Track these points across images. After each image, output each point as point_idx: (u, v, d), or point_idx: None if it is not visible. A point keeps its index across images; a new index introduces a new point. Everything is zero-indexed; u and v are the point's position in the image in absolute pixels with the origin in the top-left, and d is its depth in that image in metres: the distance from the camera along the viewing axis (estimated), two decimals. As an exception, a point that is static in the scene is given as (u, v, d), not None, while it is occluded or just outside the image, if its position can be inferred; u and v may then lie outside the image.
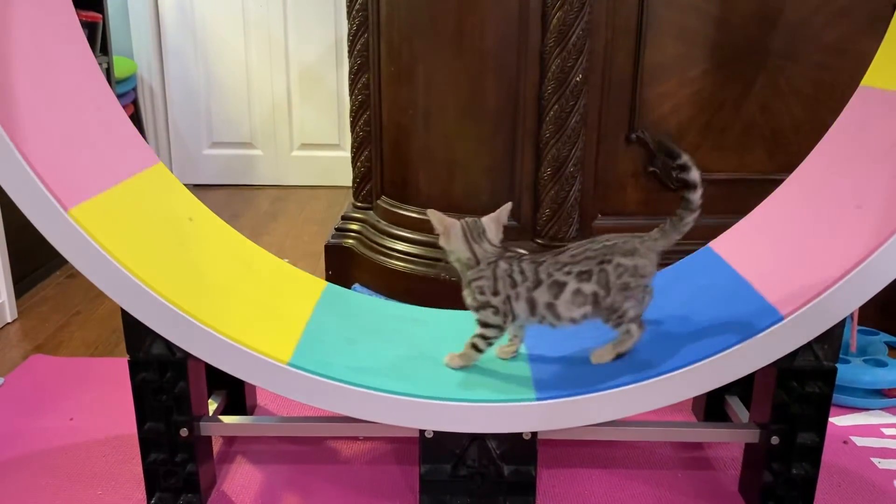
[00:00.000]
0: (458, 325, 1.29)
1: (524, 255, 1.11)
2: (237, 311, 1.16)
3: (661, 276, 1.27)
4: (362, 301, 1.44)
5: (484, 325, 1.12)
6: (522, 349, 1.21)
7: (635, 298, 1.09)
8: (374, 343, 1.23)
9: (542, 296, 1.08)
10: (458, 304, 1.40)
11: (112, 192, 1.13)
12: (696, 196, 1.07)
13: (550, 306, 1.08)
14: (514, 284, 1.09)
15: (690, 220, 1.08)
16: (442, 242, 1.12)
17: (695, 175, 1.06)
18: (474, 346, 1.13)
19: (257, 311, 1.20)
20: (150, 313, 1.05)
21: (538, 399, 1.08)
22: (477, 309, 1.11)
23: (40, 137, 1.03)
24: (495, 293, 1.09)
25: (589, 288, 1.07)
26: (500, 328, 1.11)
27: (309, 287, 1.36)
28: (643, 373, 1.08)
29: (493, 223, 1.12)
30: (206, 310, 1.08)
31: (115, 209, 1.11)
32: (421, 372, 1.15)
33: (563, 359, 1.18)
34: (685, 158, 1.05)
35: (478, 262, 1.10)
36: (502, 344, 1.18)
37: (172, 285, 1.07)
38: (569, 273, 1.07)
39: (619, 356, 1.13)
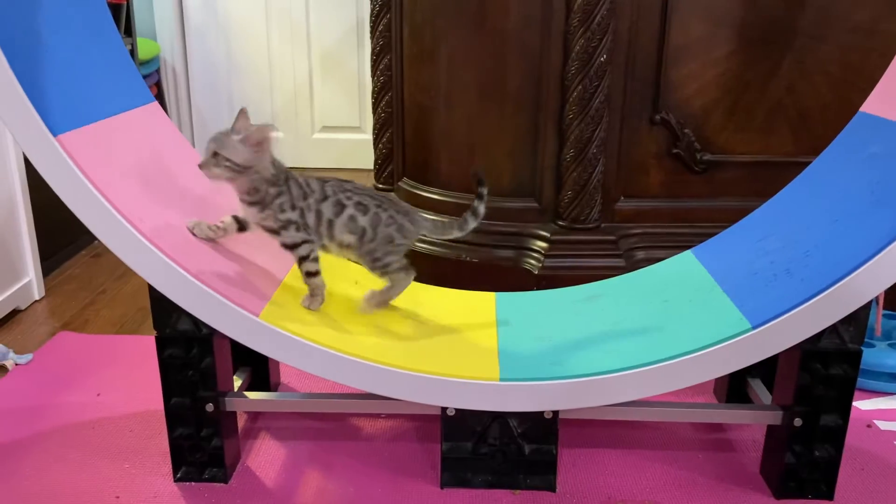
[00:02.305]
0: (634, 287, 1.32)
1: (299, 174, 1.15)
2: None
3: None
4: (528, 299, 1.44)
5: (293, 246, 1.12)
6: (542, 330, 1.21)
7: (396, 253, 1.16)
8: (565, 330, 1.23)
9: (326, 210, 1.12)
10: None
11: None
12: (471, 225, 1.21)
13: (330, 223, 1.13)
14: (304, 196, 1.11)
15: (471, 226, 1.21)
16: (246, 156, 1.07)
17: (482, 208, 1.20)
18: (308, 274, 1.14)
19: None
20: (176, 288, 1.07)
21: (561, 378, 1.08)
22: (280, 231, 1.11)
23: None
24: (293, 207, 1.11)
25: (362, 221, 1.13)
26: (308, 241, 1.12)
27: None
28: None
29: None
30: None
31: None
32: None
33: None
34: (483, 190, 1.20)
35: (279, 177, 1.11)
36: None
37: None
38: (349, 199, 1.13)
39: (382, 305, 1.20)
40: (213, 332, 1.11)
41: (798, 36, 1.65)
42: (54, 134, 1.00)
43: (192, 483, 1.20)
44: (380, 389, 1.10)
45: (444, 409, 1.15)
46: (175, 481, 1.20)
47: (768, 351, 1.06)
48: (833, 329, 1.07)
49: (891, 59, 1.22)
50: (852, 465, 1.24)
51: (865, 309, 1.06)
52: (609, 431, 1.33)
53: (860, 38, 1.64)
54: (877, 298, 1.44)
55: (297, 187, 1.12)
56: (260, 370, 1.39)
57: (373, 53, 1.97)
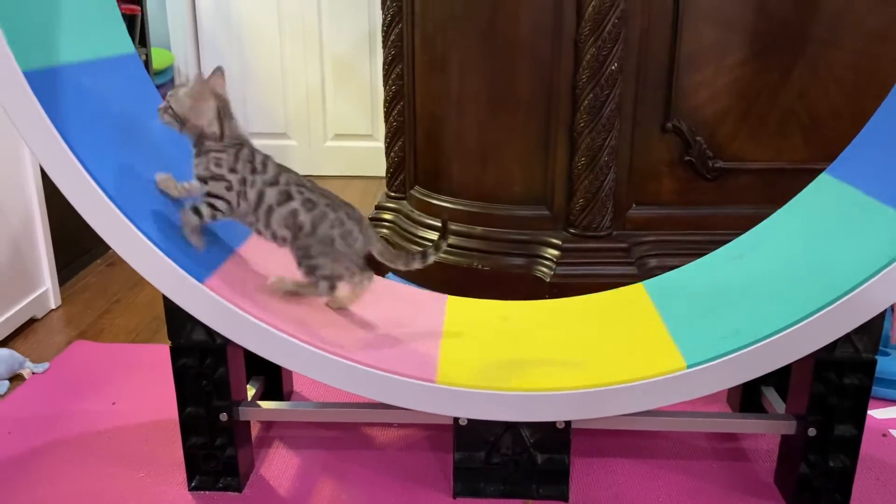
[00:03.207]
0: (783, 246, 1.27)
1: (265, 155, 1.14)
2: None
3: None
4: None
5: (214, 196, 1.10)
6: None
7: (331, 259, 1.12)
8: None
9: (270, 195, 1.10)
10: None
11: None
12: (422, 263, 1.19)
13: (269, 210, 1.11)
14: (252, 171, 1.10)
15: (415, 266, 1.19)
16: (184, 108, 1.09)
17: (442, 244, 1.19)
18: (196, 210, 1.11)
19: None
20: (191, 299, 1.08)
21: (574, 388, 1.08)
22: (207, 179, 1.10)
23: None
24: (232, 170, 1.10)
25: (304, 217, 1.11)
26: (230, 205, 1.11)
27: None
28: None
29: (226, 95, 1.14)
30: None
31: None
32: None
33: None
34: (444, 243, 1.19)
35: (221, 139, 1.10)
36: (342, 295, 1.20)
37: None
38: (300, 193, 1.11)
39: (292, 294, 1.16)
40: (226, 342, 1.12)
41: (810, 42, 1.64)
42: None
43: (207, 492, 1.20)
44: (393, 400, 1.10)
45: (456, 419, 1.15)
46: (189, 490, 1.21)
47: (781, 361, 1.05)
48: (847, 338, 1.07)
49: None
50: (868, 475, 1.23)
51: (879, 318, 1.05)
52: (622, 441, 1.33)
53: (873, 43, 1.63)
54: (892, 306, 1.43)
55: (247, 158, 1.11)
56: (273, 379, 1.40)
57: (385, 63, 1.98)
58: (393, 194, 2.08)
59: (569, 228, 1.76)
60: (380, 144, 2.63)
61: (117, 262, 2.21)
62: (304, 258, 1.13)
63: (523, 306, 1.36)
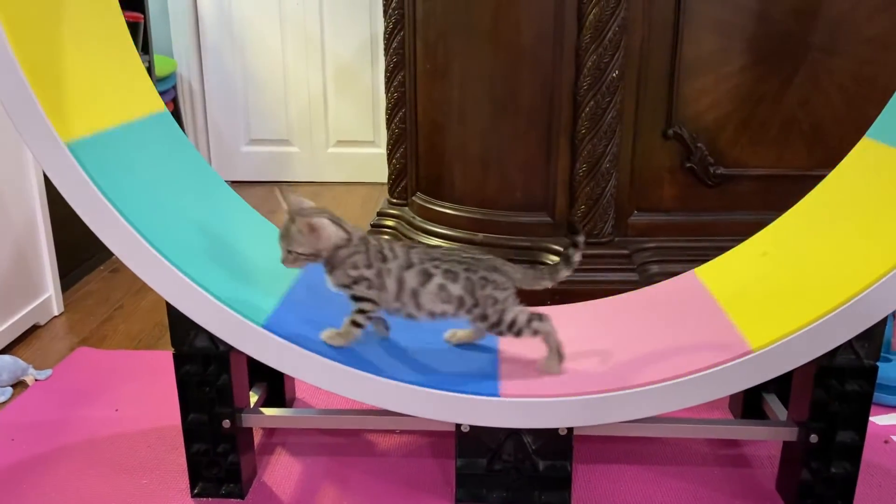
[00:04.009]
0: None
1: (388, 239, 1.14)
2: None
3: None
4: None
5: (359, 299, 1.11)
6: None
7: (508, 308, 1.11)
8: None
9: (410, 279, 1.09)
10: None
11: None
12: (564, 274, 1.13)
13: (415, 293, 1.10)
14: (384, 259, 1.10)
15: (544, 284, 1.14)
16: (307, 246, 1.08)
17: (577, 257, 1.12)
18: (354, 323, 1.12)
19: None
20: (195, 307, 1.08)
21: (571, 395, 1.09)
22: (350, 286, 1.10)
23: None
24: (368, 266, 1.10)
25: (455, 289, 1.09)
26: (374, 301, 1.11)
27: None
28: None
29: (303, 203, 1.14)
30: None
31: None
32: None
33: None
34: (580, 239, 1.12)
35: (351, 240, 1.10)
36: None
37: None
38: (437, 267, 1.10)
39: (560, 357, 1.13)
40: (229, 349, 1.12)
41: (811, 49, 1.65)
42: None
43: (210, 499, 1.21)
44: (395, 406, 1.11)
45: (458, 426, 1.15)
46: (192, 497, 1.21)
47: (782, 368, 1.05)
48: (848, 345, 1.07)
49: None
50: (869, 482, 1.23)
51: (881, 325, 1.05)
52: (624, 447, 1.33)
53: (873, 51, 1.64)
54: (894, 313, 1.44)
55: (375, 249, 1.10)
56: (276, 386, 1.40)
57: (387, 70, 1.98)
58: (395, 201, 2.09)
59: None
60: (382, 151, 2.64)
61: (120, 268, 2.21)
62: (496, 326, 1.11)
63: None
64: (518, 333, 1.12)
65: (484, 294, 1.10)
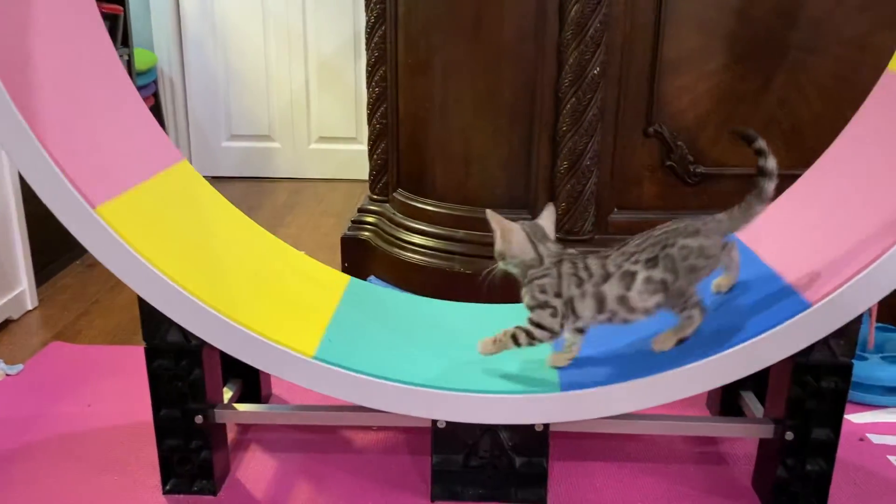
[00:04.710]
0: (478, 319, 1.30)
1: (584, 254, 1.09)
2: (260, 303, 1.17)
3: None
4: (387, 295, 1.45)
5: (537, 325, 1.07)
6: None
7: (699, 282, 1.06)
8: (397, 336, 1.23)
9: (612, 289, 1.05)
10: (474, 297, 1.40)
11: (137, 190, 1.14)
12: (770, 187, 1.05)
13: (622, 299, 1.05)
14: (579, 283, 1.05)
15: (759, 210, 1.06)
16: (499, 245, 1.08)
17: (771, 164, 1.05)
18: (514, 338, 1.08)
19: (281, 305, 1.21)
20: (166, 301, 1.06)
21: (551, 391, 1.08)
22: (533, 308, 1.07)
23: (66, 137, 1.05)
24: (557, 294, 1.06)
25: (658, 274, 1.03)
26: (553, 332, 1.07)
27: (333, 281, 1.37)
28: (658, 366, 1.07)
29: (549, 223, 1.11)
30: (226, 301, 1.09)
31: (138, 205, 1.12)
32: (435, 362, 1.15)
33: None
34: (761, 144, 1.04)
35: (542, 262, 1.07)
36: (557, 351, 1.15)
37: (191, 275, 1.08)
38: (636, 262, 1.04)
39: (680, 342, 1.09)
40: (202, 343, 1.11)
41: (791, 49, 1.65)
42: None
43: (181, 495, 1.19)
44: (370, 402, 1.10)
45: (434, 422, 1.15)
46: (164, 493, 1.19)
47: (758, 364, 1.05)
48: (824, 342, 1.07)
49: (882, 72, 1.23)
50: (844, 479, 1.23)
51: (857, 322, 1.05)
52: (600, 444, 1.33)
53: (852, 51, 1.64)
54: (870, 311, 1.44)
55: (569, 274, 1.06)
56: (251, 381, 1.39)
57: (368, 64, 1.97)
58: (376, 197, 2.07)
59: (551, 232, 1.76)
60: (364, 147, 2.63)
61: (97, 263, 2.17)
62: (678, 300, 1.06)
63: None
64: (682, 310, 1.07)
65: (685, 265, 1.03)
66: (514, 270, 1.10)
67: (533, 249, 1.08)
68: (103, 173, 1.09)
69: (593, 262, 1.07)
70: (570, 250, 1.10)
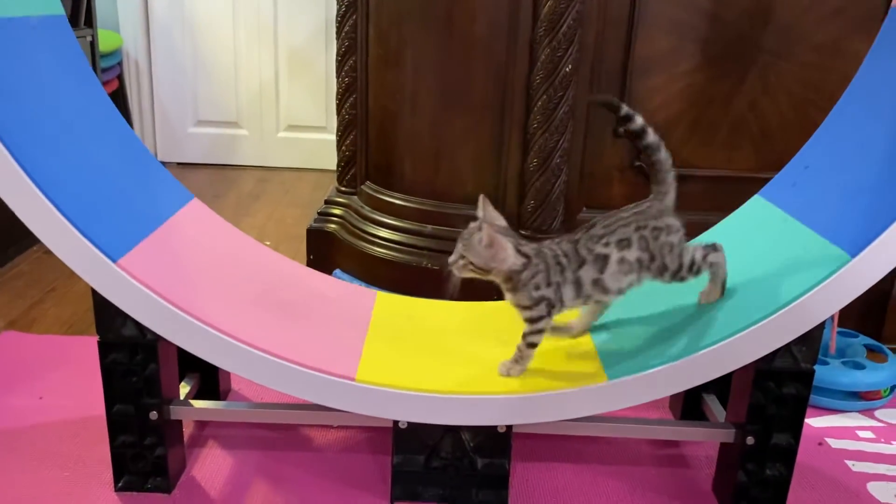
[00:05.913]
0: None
1: (553, 240, 1.10)
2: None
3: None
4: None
5: (536, 320, 1.07)
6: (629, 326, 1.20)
7: (684, 249, 1.09)
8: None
9: (587, 273, 1.06)
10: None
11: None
12: (654, 139, 1.12)
13: (597, 282, 1.07)
14: (562, 270, 1.06)
15: (671, 173, 1.13)
16: (484, 263, 1.06)
17: (640, 121, 1.11)
18: (531, 345, 1.09)
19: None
20: (120, 294, 1.03)
21: (516, 392, 1.07)
22: (531, 307, 1.07)
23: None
24: (549, 283, 1.06)
25: (632, 255, 1.06)
26: (549, 318, 1.08)
27: None
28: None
29: (498, 216, 1.10)
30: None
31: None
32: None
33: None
34: (627, 109, 1.10)
35: (530, 262, 1.06)
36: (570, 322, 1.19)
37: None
38: (608, 244, 1.06)
39: (723, 285, 1.12)
40: (157, 338, 1.07)
41: (762, 53, 1.66)
42: None
43: (134, 493, 1.16)
44: (330, 401, 1.07)
45: (395, 422, 1.13)
46: (116, 490, 1.16)
47: (721, 370, 1.05)
48: (787, 349, 1.07)
49: (850, 79, 1.23)
50: (802, 483, 1.24)
51: (819, 329, 1.06)
52: (563, 446, 1.32)
53: (822, 57, 1.65)
54: (832, 316, 1.45)
55: (553, 262, 1.06)
56: (209, 377, 1.35)
57: (338, 54, 1.94)
58: (344, 189, 2.05)
59: (520, 229, 1.74)
60: (333, 137, 2.58)
61: (54, 249, 2.12)
62: (677, 273, 1.09)
63: (455, 306, 1.34)
64: (697, 272, 1.09)
65: (658, 244, 1.07)
66: (493, 279, 1.08)
67: (521, 257, 1.06)
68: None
69: (567, 248, 1.08)
70: (545, 241, 1.10)
